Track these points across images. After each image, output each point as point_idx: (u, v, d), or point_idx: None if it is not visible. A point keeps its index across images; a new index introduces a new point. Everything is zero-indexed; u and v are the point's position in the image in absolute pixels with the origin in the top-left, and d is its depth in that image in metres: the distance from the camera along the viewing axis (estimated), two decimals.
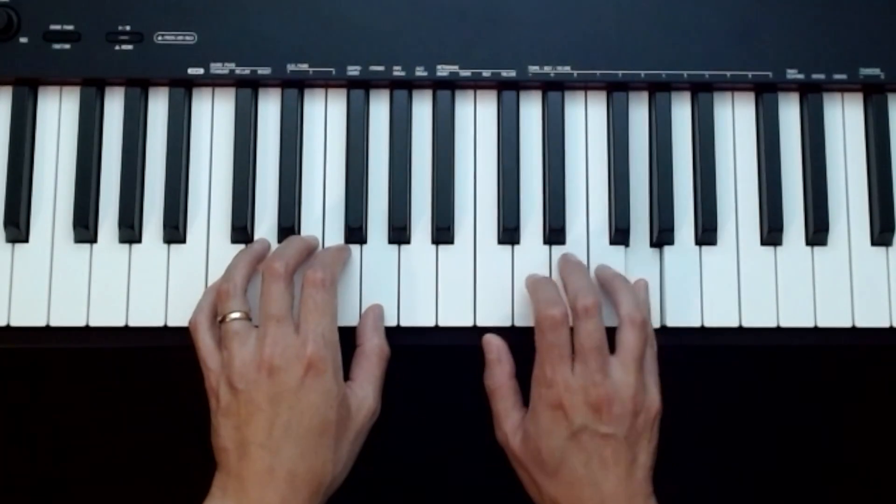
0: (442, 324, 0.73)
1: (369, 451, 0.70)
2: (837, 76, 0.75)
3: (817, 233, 0.74)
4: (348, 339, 0.71)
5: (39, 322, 0.72)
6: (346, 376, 0.69)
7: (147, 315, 0.72)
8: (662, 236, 0.74)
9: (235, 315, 0.67)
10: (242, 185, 0.73)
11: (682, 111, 0.76)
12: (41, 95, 0.75)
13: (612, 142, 0.75)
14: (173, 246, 0.74)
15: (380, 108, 0.75)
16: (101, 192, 0.74)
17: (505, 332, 0.72)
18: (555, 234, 0.74)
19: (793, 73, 0.75)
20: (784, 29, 0.75)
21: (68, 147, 0.74)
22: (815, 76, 0.75)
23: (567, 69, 0.75)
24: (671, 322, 0.73)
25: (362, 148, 0.74)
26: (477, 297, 0.73)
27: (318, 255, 0.72)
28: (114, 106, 0.75)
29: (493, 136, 0.75)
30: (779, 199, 0.74)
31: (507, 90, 0.75)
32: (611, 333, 0.68)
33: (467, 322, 0.73)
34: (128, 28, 0.74)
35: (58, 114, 0.75)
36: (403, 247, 0.74)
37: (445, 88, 0.75)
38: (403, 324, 0.73)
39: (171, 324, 0.72)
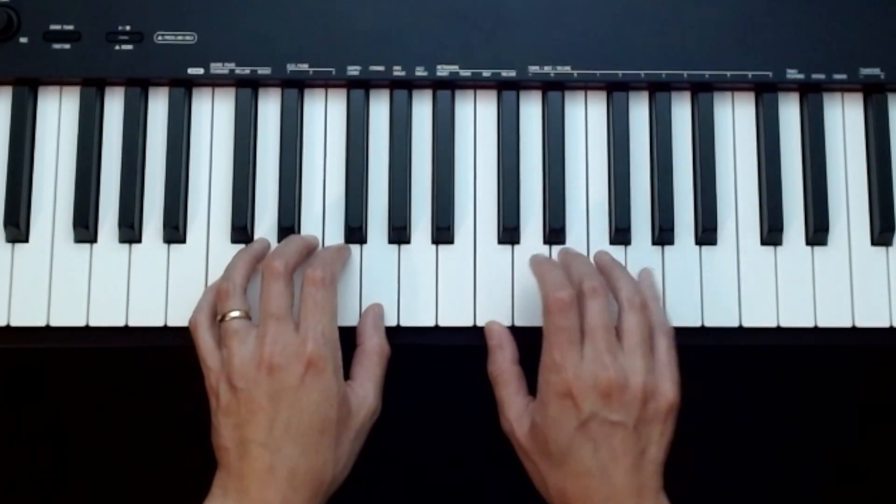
0: (442, 324, 0.73)
1: (369, 450, 0.70)
2: (837, 76, 0.75)
3: (817, 233, 0.74)
4: (348, 338, 0.71)
5: (39, 322, 0.72)
6: (347, 375, 0.69)
7: (147, 315, 0.72)
8: (662, 236, 0.74)
9: (235, 314, 0.67)
10: (242, 184, 0.73)
11: (682, 111, 0.76)
12: (41, 95, 0.75)
13: (612, 142, 0.75)
14: (173, 246, 0.74)
15: (380, 108, 0.75)
16: (101, 192, 0.74)
17: None
18: (555, 234, 0.74)
19: (793, 73, 0.75)
20: (784, 29, 0.75)
21: (68, 147, 0.74)
22: (815, 76, 0.75)
23: (567, 69, 0.75)
24: (671, 322, 0.73)
25: (362, 148, 0.74)
26: (477, 297, 0.73)
27: (317, 253, 0.72)
28: (114, 106, 0.75)
29: (493, 136, 0.75)
30: (779, 199, 0.74)
31: (507, 90, 0.75)
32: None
33: (467, 322, 0.73)
34: (128, 28, 0.74)
35: (58, 114, 0.75)
36: (403, 247, 0.74)
37: (445, 88, 0.75)
38: (403, 324, 0.73)
39: (171, 324, 0.72)
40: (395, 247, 0.74)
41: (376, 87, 0.75)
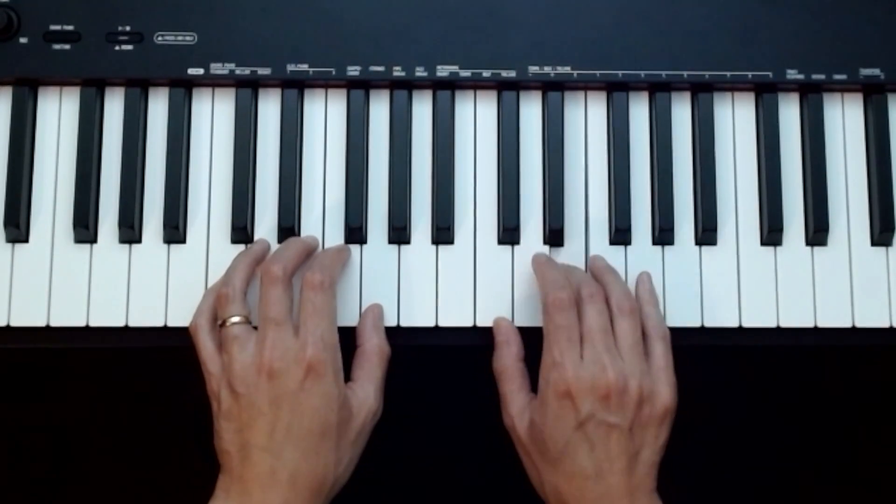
0: (442, 324, 0.73)
1: (370, 451, 0.70)
2: (837, 76, 0.75)
3: (817, 233, 0.74)
4: (348, 339, 0.71)
5: (39, 322, 0.72)
6: (347, 377, 0.69)
7: (147, 315, 0.72)
8: (662, 236, 0.74)
9: (235, 319, 0.67)
10: (242, 185, 0.73)
11: (682, 111, 0.76)
12: (41, 95, 0.75)
13: (612, 142, 0.75)
14: (173, 246, 0.74)
15: (380, 109, 0.75)
16: (101, 193, 0.74)
17: None
18: (555, 234, 0.74)
19: (793, 74, 0.75)
20: (784, 29, 0.75)
21: (68, 147, 0.74)
22: (815, 76, 0.75)
23: (567, 69, 0.75)
24: (671, 322, 0.73)
25: (362, 148, 0.74)
26: (477, 298, 0.73)
27: (317, 256, 0.72)
28: (114, 106, 0.75)
29: (493, 136, 0.75)
30: (779, 200, 0.74)
31: (507, 90, 0.75)
32: None
33: (467, 322, 0.73)
34: (128, 28, 0.74)
35: (58, 114, 0.75)
36: (403, 247, 0.74)
37: (445, 88, 0.75)
38: (403, 324, 0.73)
39: (171, 324, 0.72)
40: (395, 247, 0.74)
41: (376, 88, 0.75)
